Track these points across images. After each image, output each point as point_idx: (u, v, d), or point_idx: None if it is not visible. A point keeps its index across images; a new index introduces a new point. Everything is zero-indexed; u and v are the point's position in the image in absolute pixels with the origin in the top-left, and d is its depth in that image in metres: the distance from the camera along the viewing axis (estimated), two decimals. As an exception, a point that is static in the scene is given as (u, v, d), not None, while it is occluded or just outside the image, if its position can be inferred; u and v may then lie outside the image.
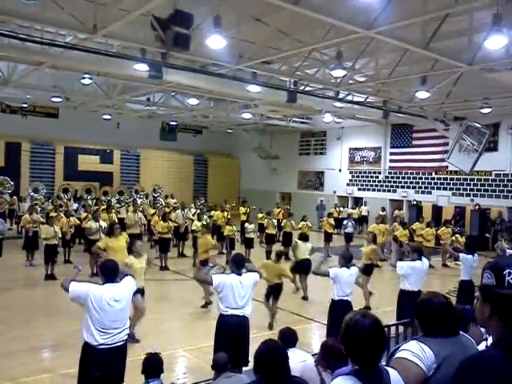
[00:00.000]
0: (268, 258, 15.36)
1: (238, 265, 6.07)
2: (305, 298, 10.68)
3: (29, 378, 6.34)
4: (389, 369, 2.38)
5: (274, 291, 8.71)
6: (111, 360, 4.85)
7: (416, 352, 2.42)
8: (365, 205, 24.09)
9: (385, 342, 2.41)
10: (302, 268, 10.56)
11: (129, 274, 5.51)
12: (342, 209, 23.24)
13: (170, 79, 12.97)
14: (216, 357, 4.39)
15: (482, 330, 2.75)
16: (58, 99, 18.69)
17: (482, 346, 2.64)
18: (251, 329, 6.04)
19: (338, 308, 7.09)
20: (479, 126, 17.06)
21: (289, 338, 4.32)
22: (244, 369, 5.33)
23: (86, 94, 18.65)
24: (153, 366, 4.18)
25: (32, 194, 19.54)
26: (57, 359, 7.08)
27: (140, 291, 7.44)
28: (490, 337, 1.85)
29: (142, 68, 11.30)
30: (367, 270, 10.30)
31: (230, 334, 5.67)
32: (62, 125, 24.17)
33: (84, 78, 14.45)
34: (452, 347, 2.39)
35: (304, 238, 11.32)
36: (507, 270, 1.65)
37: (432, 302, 2.60)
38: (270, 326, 8.40)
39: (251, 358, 4.58)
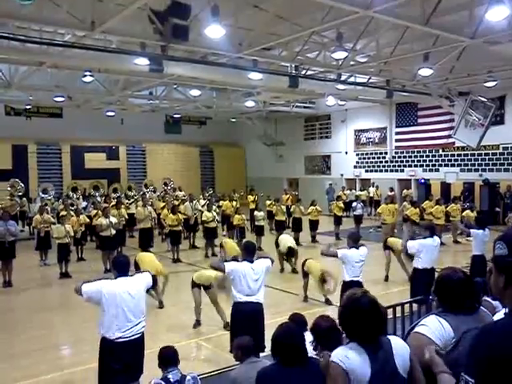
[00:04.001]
0: (278, 244, 15.47)
1: (250, 252, 6.10)
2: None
3: (50, 375, 6.46)
4: (390, 337, 2.45)
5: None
6: (130, 352, 4.92)
7: (434, 327, 2.44)
8: (372, 186, 24.00)
9: (381, 319, 2.46)
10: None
11: (146, 270, 5.59)
12: (348, 191, 23.18)
13: (171, 72, 12.97)
14: (240, 341, 4.42)
15: (494, 302, 2.76)
16: (61, 98, 18.74)
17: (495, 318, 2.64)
18: (265, 314, 6.09)
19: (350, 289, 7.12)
20: (484, 99, 16.90)
21: (299, 321, 4.37)
22: (261, 354, 5.38)
23: (88, 91, 18.68)
24: (168, 357, 4.23)
25: (42, 194, 19.68)
26: (77, 355, 7.20)
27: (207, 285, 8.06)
28: (503, 309, 1.86)
29: (143, 62, 11.30)
30: None
31: (246, 320, 5.72)
32: (66, 124, 24.27)
33: (85, 75, 14.47)
34: (471, 323, 2.37)
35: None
36: None
37: (451, 277, 2.59)
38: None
39: (267, 344, 4.64)
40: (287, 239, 12.27)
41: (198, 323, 8.23)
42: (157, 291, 9.26)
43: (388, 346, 2.39)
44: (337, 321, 2.63)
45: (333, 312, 7.15)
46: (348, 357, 2.33)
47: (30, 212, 18.93)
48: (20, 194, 20.16)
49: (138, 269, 9.48)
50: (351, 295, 2.50)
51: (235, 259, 6.73)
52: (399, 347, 2.41)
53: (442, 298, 2.57)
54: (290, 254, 11.93)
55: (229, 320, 7.55)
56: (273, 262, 6.37)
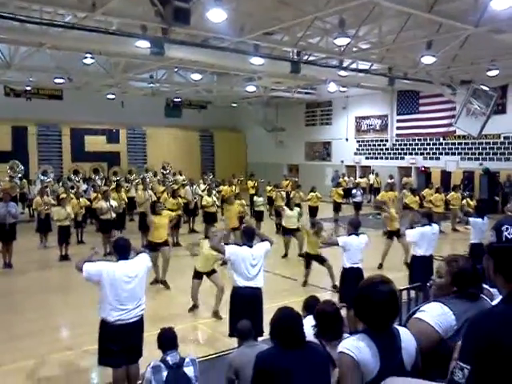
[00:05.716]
0: (278, 230, 15.51)
1: (249, 237, 6.14)
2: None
3: (51, 356, 6.53)
4: (399, 327, 2.44)
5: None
6: (128, 335, 4.98)
7: (435, 314, 2.44)
8: (372, 173, 24.01)
9: (398, 308, 2.46)
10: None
11: (143, 251, 5.61)
12: (346, 178, 23.20)
13: (172, 55, 12.88)
14: (239, 325, 4.47)
15: (492, 290, 2.80)
16: (61, 80, 18.65)
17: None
18: (264, 299, 6.15)
19: (350, 276, 7.18)
20: (487, 88, 16.82)
21: (313, 305, 4.36)
22: (259, 339, 5.44)
23: (89, 73, 18.58)
24: (167, 339, 4.27)
25: (42, 177, 19.68)
26: (77, 337, 7.25)
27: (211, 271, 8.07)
28: (500, 296, 1.90)
29: (144, 45, 11.21)
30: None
31: (245, 305, 5.78)
32: (66, 106, 24.15)
33: (86, 57, 14.38)
34: (474, 311, 2.34)
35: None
36: (505, 226, 1.74)
37: (469, 268, 2.61)
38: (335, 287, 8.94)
39: (265, 328, 4.68)
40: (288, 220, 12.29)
41: (194, 306, 8.26)
42: (163, 269, 9.72)
43: (397, 339, 2.36)
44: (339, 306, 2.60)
45: (332, 297, 7.24)
46: (359, 348, 2.28)
47: (30, 194, 18.93)
48: (20, 175, 20.15)
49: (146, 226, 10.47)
50: (370, 281, 2.45)
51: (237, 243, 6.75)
52: (407, 341, 2.38)
53: (459, 285, 2.57)
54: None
55: (219, 309, 7.73)
56: (272, 243, 6.41)
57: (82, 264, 5.01)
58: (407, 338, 2.40)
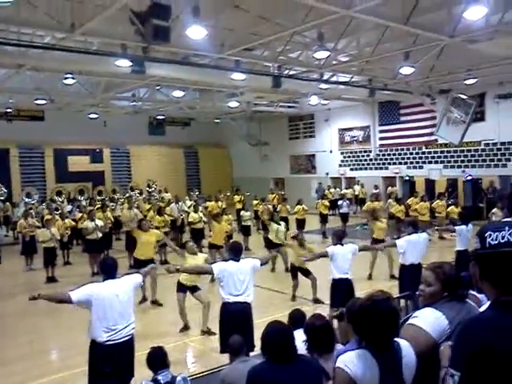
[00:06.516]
0: (266, 244, 15.50)
1: (236, 252, 6.13)
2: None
3: (42, 380, 6.44)
4: (400, 341, 2.43)
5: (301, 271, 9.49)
6: (119, 355, 4.90)
7: (428, 319, 2.47)
8: (357, 184, 24.18)
9: (398, 324, 2.46)
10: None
11: (138, 272, 5.60)
12: (332, 190, 23.35)
13: (153, 73, 12.92)
14: (231, 341, 4.43)
15: (480, 296, 2.84)
16: (42, 101, 18.52)
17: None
18: (254, 314, 6.11)
19: (339, 286, 7.19)
20: (465, 97, 17.11)
21: (298, 318, 4.40)
22: (251, 354, 5.40)
23: (70, 94, 18.50)
24: (158, 358, 4.22)
25: (25, 199, 19.47)
26: (67, 359, 7.17)
27: (194, 288, 7.97)
28: (488, 302, 1.92)
29: (124, 64, 11.23)
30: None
31: (234, 320, 5.74)
32: (48, 127, 23.93)
33: (66, 77, 14.33)
34: (465, 314, 2.45)
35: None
36: (488, 232, 1.75)
37: (454, 273, 2.71)
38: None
39: (256, 343, 4.65)
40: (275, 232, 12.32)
41: (185, 327, 8.12)
42: (152, 289, 9.68)
43: (398, 355, 2.36)
44: (329, 319, 2.60)
45: (322, 311, 7.22)
46: (357, 364, 2.27)
47: (13, 217, 18.69)
48: (2, 198, 19.91)
49: (133, 243, 10.28)
50: (371, 298, 2.46)
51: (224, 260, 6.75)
52: (408, 357, 2.38)
53: (448, 290, 2.63)
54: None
55: (209, 326, 7.66)
56: (262, 264, 6.38)
57: (67, 296, 4.85)
58: (408, 353, 2.40)
